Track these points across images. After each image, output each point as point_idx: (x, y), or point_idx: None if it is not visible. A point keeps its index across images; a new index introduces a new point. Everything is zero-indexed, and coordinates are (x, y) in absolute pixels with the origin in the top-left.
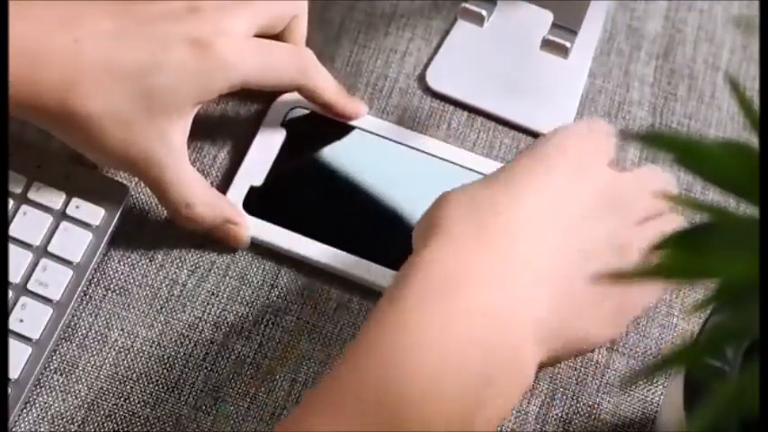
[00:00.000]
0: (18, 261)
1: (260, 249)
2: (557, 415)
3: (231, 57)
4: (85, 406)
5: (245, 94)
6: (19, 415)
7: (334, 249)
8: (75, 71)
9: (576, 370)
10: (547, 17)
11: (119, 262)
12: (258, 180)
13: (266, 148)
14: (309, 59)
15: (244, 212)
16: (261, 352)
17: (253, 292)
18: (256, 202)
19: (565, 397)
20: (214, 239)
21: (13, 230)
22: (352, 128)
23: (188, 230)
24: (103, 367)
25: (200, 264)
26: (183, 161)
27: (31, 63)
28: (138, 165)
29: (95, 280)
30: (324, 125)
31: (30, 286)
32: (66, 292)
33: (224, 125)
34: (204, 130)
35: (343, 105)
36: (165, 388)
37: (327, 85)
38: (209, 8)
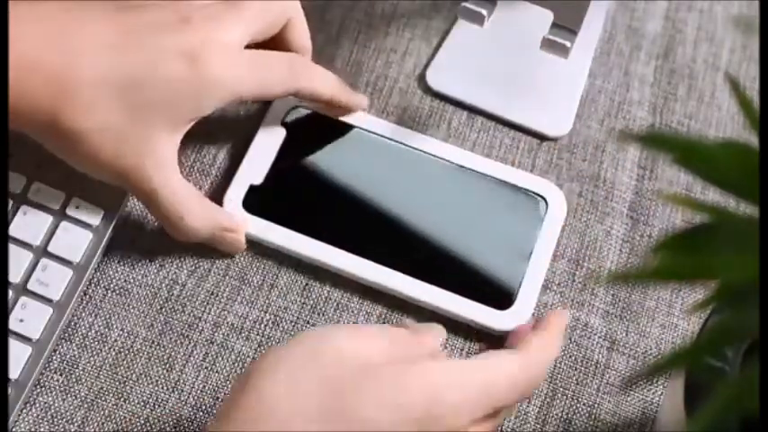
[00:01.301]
0: (18, 261)
1: (260, 249)
2: (557, 415)
3: (225, 73)
4: (85, 406)
5: None
6: (19, 415)
7: (334, 248)
8: (66, 85)
9: (576, 370)
10: (547, 17)
11: (119, 262)
12: (258, 179)
13: (266, 147)
14: (300, 64)
15: (242, 215)
16: (261, 352)
17: (253, 292)
18: (256, 202)
19: (565, 397)
20: (211, 246)
21: (13, 230)
22: (353, 127)
23: (184, 242)
24: (103, 367)
25: (200, 264)
26: (175, 175)
27: (22, 77)
28: (128, 179)
29: (95, 280)
30: (324, 125)
31: (30, 286)
32: (66, 292)
33: (224, 125)
34: (204, 130)
35: (346, 102)
36: (166, 388)
37: (325, 84)
38: (200, 18)
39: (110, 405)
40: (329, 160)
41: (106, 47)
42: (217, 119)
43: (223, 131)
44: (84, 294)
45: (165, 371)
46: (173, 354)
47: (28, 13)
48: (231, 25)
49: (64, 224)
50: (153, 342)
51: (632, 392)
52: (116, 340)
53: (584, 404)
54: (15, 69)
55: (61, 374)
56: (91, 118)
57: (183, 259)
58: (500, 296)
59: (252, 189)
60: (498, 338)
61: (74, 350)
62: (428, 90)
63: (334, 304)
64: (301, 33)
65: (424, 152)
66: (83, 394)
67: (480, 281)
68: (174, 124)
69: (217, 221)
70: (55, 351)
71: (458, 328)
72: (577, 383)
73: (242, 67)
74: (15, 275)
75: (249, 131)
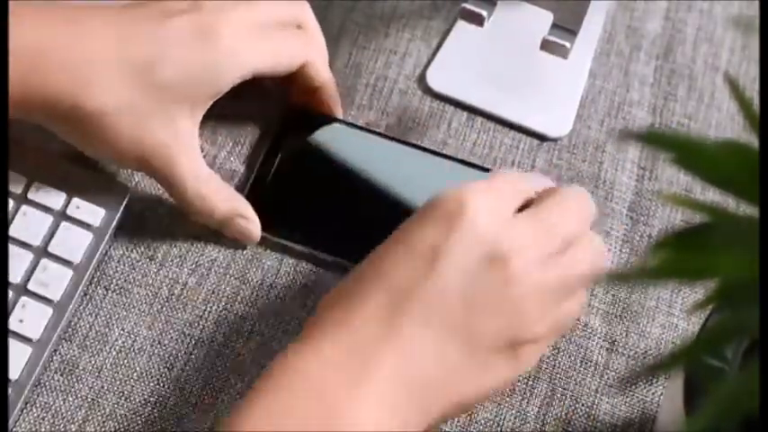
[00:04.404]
0: (18, 261)
1: (260, 249)
2: (556, 415)
3: (238, 46)
4: (86, 405)
5: (245, 93)
6: (19, 415)
7: (335, 249)
8: (84, 69)
9: (575, 370)
10: (547, 17)
11: (119, 262)
12: (258, 181)
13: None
14: (306, 36)
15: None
16: (261, 352)
17: (253, 292)
18: (256, 203)
19: (564, 397)
20: (225, 235)
21: (13, 230)
22: (352, 128)
23: (200, 224)
24: (104, 367)
25: (201, 263)
26: (197, 155)
27: (36, 65)
28: (151, 160)
29: (95, 280)
30: (324, 126)
31: (30, 286)
32: (66, 293)
33: (224, 125)
34: (204, 130)
35: (334, 93)
36: (166, 387)
37: (326, 65)
38: (212, 5)
39: (110, 404)
40: (329, 161)
41: (118, 29)
42: (216, 119)
43: (223, 132)
44: (85, 294)
45: (165, 370)
46: (173, 353)
47: (34, 9)
48: (243, 9)
49: (64, 224)
50: (153, 341)
51: (632, 392)
52: (116, 340)
53: (583, 404)
54: (28, 59)
55: (62, 374)
56: (110, 98)
57: (183, 258)
58: None
59: (252, 191)
60: None
61: (74, 350)
62: (428, 91)
63: None
64: (315, 43)
65: (425, 152)
66: (83, 394)
67: None
68: (192, 103)
69: (235, 206)
70: (55, 351)
71: None
72: (577, 384)
73: (255, 40)
74: (15, 276)
75: (249, 132)
